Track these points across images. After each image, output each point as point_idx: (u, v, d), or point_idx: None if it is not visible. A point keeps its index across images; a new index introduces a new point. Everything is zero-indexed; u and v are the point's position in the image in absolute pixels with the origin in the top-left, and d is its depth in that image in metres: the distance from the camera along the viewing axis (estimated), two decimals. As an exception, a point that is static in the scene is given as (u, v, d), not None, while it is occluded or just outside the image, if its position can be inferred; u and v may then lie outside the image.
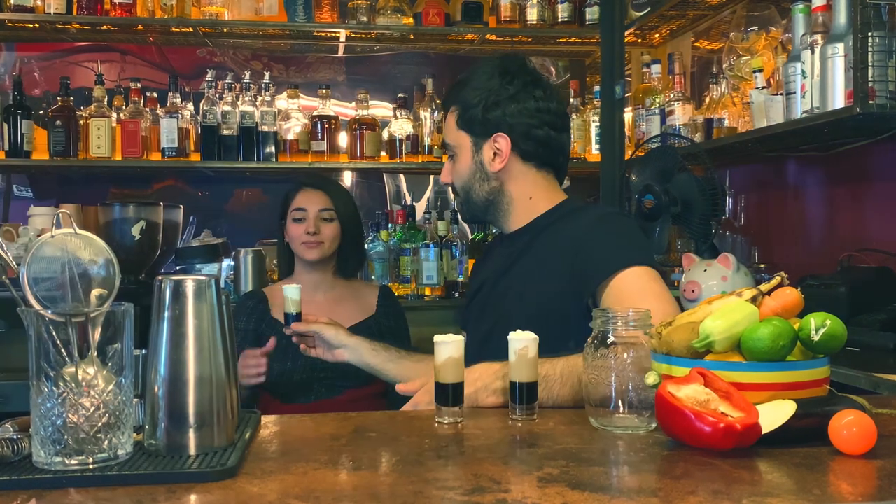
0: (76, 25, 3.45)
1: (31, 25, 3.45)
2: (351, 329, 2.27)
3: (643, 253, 1.68)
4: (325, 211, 2.47)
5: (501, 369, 1.44)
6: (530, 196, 1.81)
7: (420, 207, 4.05)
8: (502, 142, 1.77)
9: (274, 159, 3.43)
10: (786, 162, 2.97)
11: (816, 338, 1.17)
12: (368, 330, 2.38)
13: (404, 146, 3.54)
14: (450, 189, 1.97)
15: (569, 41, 3.87)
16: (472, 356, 1.49)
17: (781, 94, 2.35)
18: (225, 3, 3.48)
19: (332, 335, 1.88)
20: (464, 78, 1.83)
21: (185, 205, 3.53)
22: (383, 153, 3.57)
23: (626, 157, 3.10)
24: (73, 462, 1.01)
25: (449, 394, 1.32)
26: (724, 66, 2.94)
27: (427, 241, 3.51)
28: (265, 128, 3.41)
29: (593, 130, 3.65)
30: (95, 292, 1.05)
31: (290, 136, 3.50)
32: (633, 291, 1.57)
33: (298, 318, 1.92)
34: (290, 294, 1.92)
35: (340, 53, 4.05)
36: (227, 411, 1.12)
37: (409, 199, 4.17)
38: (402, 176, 4.15)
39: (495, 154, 1.77)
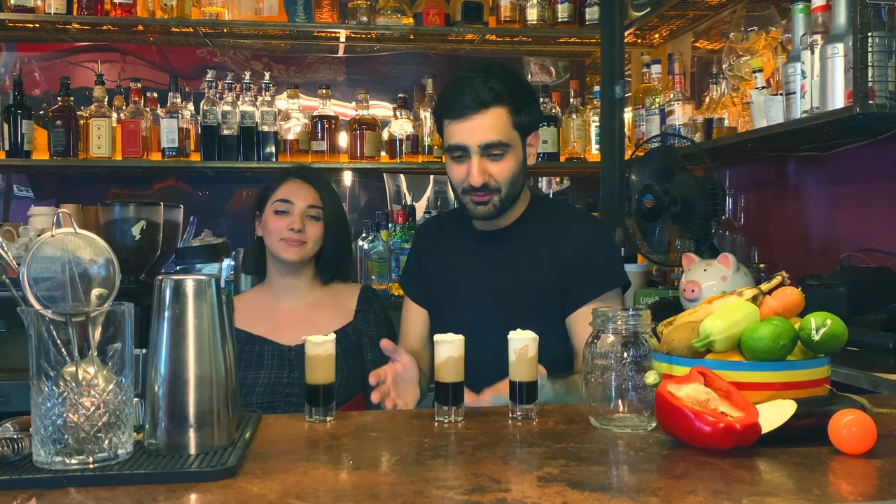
0: (76, 25, 3.45)
1: (31, 25, 3.45)
2: None
3: (623, 272, 1.95)
4: (312, 208, 2.15)
5: None
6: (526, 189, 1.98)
7: (420, 207, 4.05)
8: (535, 139, 1.91)
9: (274, 159, 3.43)
10: (786, 162, 2.97)
11: (817, 337, 1.17)
12: (346, 339, 2.11)
13: (404, 146, 3.55)
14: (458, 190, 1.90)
15: (569, 41, 3.87)
16: (473, 351, 1.49)
17: (781, 94, 2.35)
18: (225, 3, 3.48)
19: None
20: (501, 79, 1.82)
21: (185, 205, 3.53)
22: (383, 153, 3.57)
23: (626, 157, 3.10)
24: (73, 461, 1.01)
25: (449, 393, 1.32)
26: (724, 66, 2.94)
27: (427, 241, 3.51)
28: (265, 128, 3.41)
29: (593, 130, 3.65)
30: (95, 292, 1.05)
31: (291, 136, 3.50)
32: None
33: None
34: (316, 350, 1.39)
35: (340, 53, 4.05)
36: (227, 411, 1.13)
37: (409, 199, 4.17)
38: (402, 176, 4.15)
39: (528, 150, 1.90)
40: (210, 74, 3.43)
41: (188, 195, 3.93)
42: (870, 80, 1.98)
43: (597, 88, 3.63)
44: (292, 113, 3.52)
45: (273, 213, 2.14)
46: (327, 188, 2.23)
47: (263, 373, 2.05)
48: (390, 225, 3.57)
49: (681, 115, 3.00)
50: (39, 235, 1.11)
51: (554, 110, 3.64)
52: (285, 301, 2.18)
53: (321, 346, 1.35)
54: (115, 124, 3.38)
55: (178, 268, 3.29)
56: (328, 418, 1.33)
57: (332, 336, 1.37)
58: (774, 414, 1.10)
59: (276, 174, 2.27)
